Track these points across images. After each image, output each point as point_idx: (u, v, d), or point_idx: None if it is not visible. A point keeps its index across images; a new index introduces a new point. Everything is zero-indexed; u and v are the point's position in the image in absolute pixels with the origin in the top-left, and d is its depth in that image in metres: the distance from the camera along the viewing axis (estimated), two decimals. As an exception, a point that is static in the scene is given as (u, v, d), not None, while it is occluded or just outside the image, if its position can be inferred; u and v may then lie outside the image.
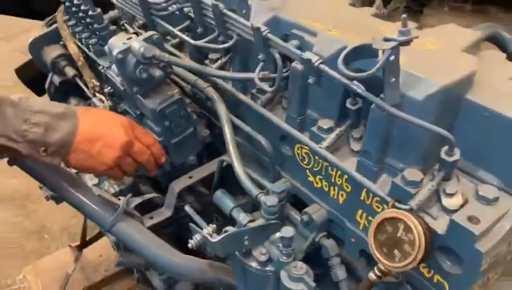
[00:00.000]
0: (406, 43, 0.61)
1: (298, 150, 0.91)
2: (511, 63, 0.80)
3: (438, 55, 0.75)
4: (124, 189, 1.15)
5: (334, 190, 0.87)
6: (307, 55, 0.72)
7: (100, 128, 0.89)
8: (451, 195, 0.70)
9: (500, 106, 0.69)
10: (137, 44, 0.88)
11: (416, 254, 0.62)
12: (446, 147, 0.68)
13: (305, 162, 0.91)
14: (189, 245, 0.84)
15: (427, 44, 0.78)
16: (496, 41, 0.92)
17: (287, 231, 0.82)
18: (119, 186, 1.15)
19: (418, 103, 0.69)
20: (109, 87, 1.06)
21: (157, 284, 1.28)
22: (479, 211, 0.67)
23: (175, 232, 1.22)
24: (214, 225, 0.85)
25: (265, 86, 0.85)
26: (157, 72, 0.89)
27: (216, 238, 0.80)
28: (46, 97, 1.40)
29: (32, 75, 1.49)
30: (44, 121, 0.82)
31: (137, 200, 1.01)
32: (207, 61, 1.07)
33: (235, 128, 0.99)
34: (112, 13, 1.31)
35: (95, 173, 1.00)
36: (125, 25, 1.28)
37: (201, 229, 0.86)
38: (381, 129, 0.73)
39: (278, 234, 0.82)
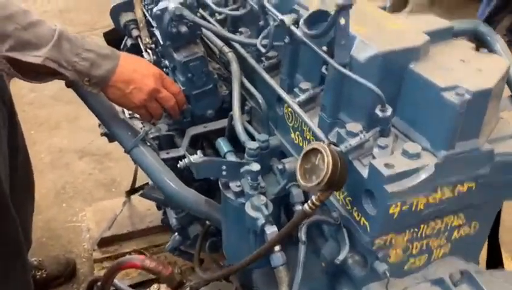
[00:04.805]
0: (347, 6, 0.75)
1: (286, 109, 1.07)
2: (473, 52, 0.89)
3: (396, 32, 0.86)
4: (161, 136, 1.39)
5: (305, 144, 1.01)
6: (282, 17, 0.89)
7: (135, 73, 1.11)
8: (382, 147, 0.82)
9: (434, 77, 0.79)
10: (172, 4, 1.11)
11: (324, 176, 0.75)
12: (380, 105, 0.80)
13: (289, 120, 1.06)
14: (178, 165, 1.03)
15: (394, 24, 0.90)
16: (477, 37, 1.00)
17: (254, 166, 0.98)
18: (158, 133, 1.39)
19: (360, 64, 0.81)
20: (156, 44, 1.30)
21: (173, 222, 1.49)
22: (398, 161, 0.78)
23: (203, 187, 1.42)
24: (201, 154, 1.03)
25: (262, 48, 1.03)
26: (183, 29, 1.11)
27: (196, 160, 0.99)
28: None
29: (115, 39, 1.80)
30: (92, 57, 1.06)
31: (155, 133, 1.23)
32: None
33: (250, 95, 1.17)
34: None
35: (126, 108, 1.23)
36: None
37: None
38: (334, 86, 0.86)
39: (246, 167, 0.98)
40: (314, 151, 0.78)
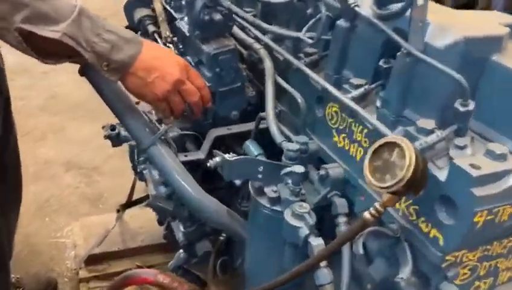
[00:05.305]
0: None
1: (329, 109, 0.96)
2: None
3: (471, 21, 0.77)
4: (176, 136, 1.25)
5: (353, 147, 0.90)
6: (344, -3, 0.79)
7: (158, 61, 1.00)
8: (460, 148, 0.71)
9: (524, 69, 0.70)
10: (206, -11, 1.00)
11: (404, 175, 0.63)
12: (461, 98, 0.70)
13: (332, 121, 0.95)
14: (208, 164, 0.90)
15: (466, 16, 0.81)
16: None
17: (297, 167, 0.86)
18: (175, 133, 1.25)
19: (439, 51, 0.71)
20: (177, 38, 1.19)
21: (179, 237, 1.34)
22: (483, 162, 0.67)
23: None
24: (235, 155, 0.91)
25: (308, 40, 0.92)
26: (217, 16, 1.01)
27: (230, 158, 0.86)
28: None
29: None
30: (113, 39, 0.94)
31: (174, 133, 1.10)
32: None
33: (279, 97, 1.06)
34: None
35: (146, 101, 1.10)
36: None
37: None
38: (404, 77, 0.76)
39: (288, 169, 0.86)
40: (389, 145, 0.66)
